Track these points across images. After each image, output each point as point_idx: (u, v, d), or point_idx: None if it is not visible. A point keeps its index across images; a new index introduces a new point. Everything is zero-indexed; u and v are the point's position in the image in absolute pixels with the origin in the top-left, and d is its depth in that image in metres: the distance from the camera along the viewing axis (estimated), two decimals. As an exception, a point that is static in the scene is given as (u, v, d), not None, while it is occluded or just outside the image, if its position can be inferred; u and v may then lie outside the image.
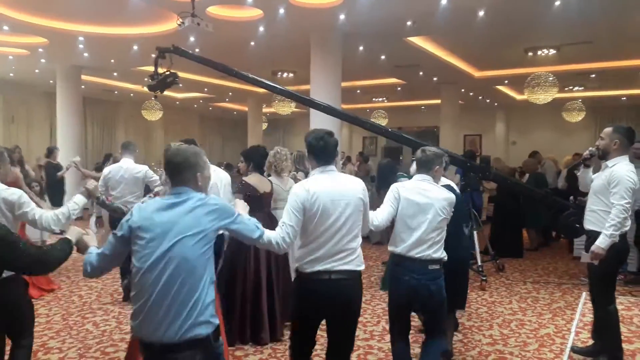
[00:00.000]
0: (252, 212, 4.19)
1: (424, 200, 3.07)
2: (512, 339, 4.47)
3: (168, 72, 5.86)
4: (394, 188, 3.19)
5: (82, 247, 2.44)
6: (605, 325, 3.83)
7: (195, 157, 2.28)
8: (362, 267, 2.75)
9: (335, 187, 2.70)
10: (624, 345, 4.22)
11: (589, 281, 4.07)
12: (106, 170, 5.81)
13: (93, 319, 4.97)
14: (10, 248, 2.28)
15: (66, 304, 5.49)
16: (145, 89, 6.24)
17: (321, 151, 2.75)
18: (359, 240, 2.76)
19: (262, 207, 4.39)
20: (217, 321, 2.19)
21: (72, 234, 2.45)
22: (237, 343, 4.21)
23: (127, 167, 5.69)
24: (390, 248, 3.19)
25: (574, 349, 4.17)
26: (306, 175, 5.95)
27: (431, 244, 3.05)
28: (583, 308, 5.30)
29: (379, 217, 3.06)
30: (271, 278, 4.34)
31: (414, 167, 3.44)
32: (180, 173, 2.24)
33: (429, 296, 3.06)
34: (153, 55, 5.87)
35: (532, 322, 4.92)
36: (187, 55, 6.05)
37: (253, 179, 4.45)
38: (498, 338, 4.48)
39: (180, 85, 6.27)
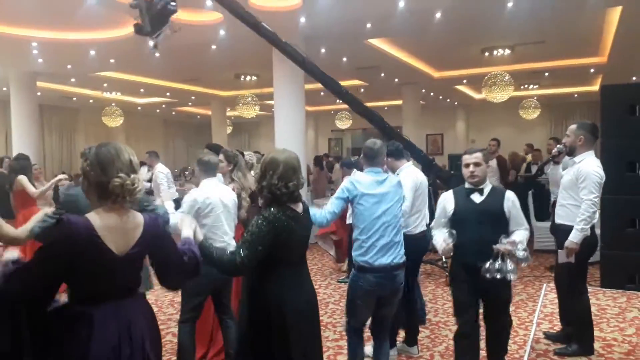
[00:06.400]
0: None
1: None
2: (477, 332, 4.59)
3: None
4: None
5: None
6: (578, 316, 3.92)
7: (384, 147, 3.39)
8: None
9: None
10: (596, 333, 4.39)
11: (555, 275, 4.20)
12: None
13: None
14: None
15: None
16: (106, 94, 5.40)
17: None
18: None
19: None
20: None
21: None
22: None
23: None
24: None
25: (546, 334, 4.33)
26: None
27: None
28: (544, 300, 5.45)
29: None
30: None
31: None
32: (377, 157, 3.28)
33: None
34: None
35: (496, 314, 5.05)
36: None
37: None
38: (463, 332, 4.59)
39: (177, 11, 4.21)
